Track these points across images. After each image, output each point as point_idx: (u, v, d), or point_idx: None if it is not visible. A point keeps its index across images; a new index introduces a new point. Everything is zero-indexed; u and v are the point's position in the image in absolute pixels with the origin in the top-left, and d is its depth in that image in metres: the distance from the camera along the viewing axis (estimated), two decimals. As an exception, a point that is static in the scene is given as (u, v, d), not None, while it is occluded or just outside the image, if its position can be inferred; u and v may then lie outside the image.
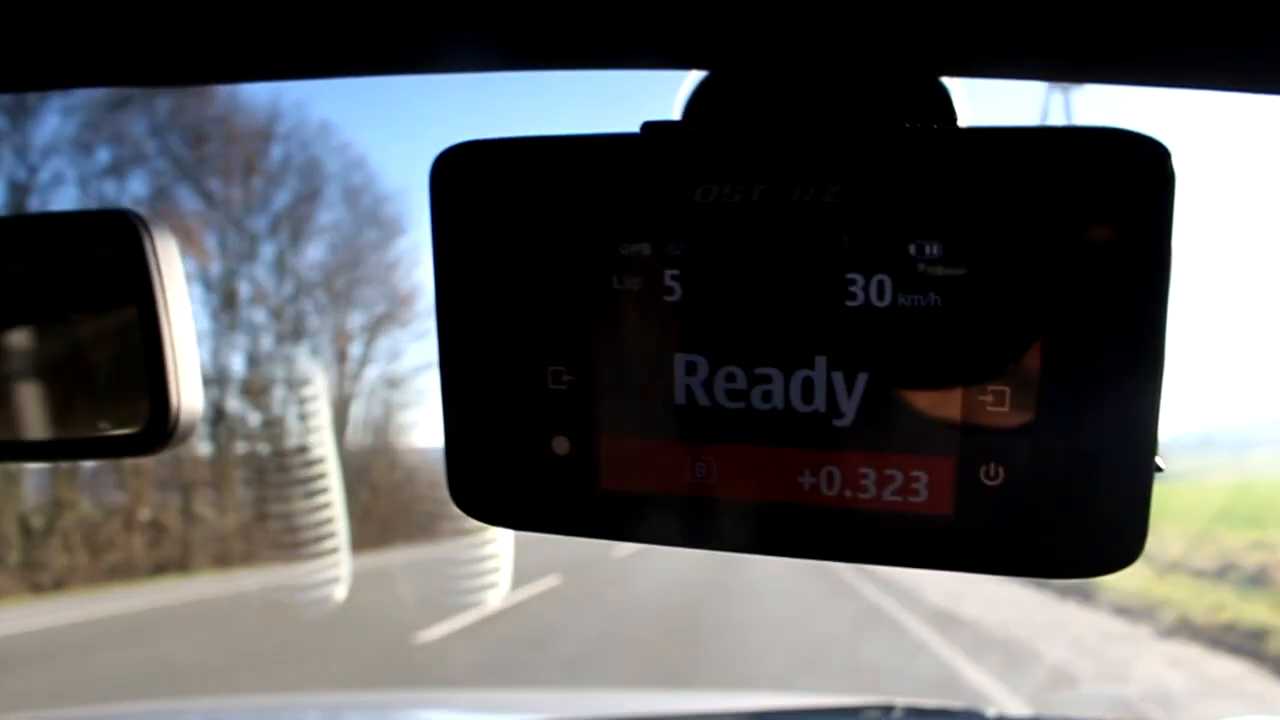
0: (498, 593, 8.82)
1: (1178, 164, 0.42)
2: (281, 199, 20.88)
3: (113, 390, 0.69)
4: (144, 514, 17.14)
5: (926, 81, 0.52)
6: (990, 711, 1.93)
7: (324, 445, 10.21)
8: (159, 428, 0.66)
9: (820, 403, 0.46)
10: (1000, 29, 0.52)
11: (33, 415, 0.71)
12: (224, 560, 17.53)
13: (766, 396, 0.47)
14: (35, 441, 0.71)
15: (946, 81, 0.52)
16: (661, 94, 0.54)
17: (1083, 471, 0.44)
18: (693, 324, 0.47)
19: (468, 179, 0.50)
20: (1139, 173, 0.42)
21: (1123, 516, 0.43)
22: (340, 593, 9.47)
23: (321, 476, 9.98)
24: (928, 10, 0.50)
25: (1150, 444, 0.43)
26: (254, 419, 19.83)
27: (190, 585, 14.30)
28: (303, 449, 11.23)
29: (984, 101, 0.53)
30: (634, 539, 0.50)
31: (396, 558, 15.44)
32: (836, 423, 0.46)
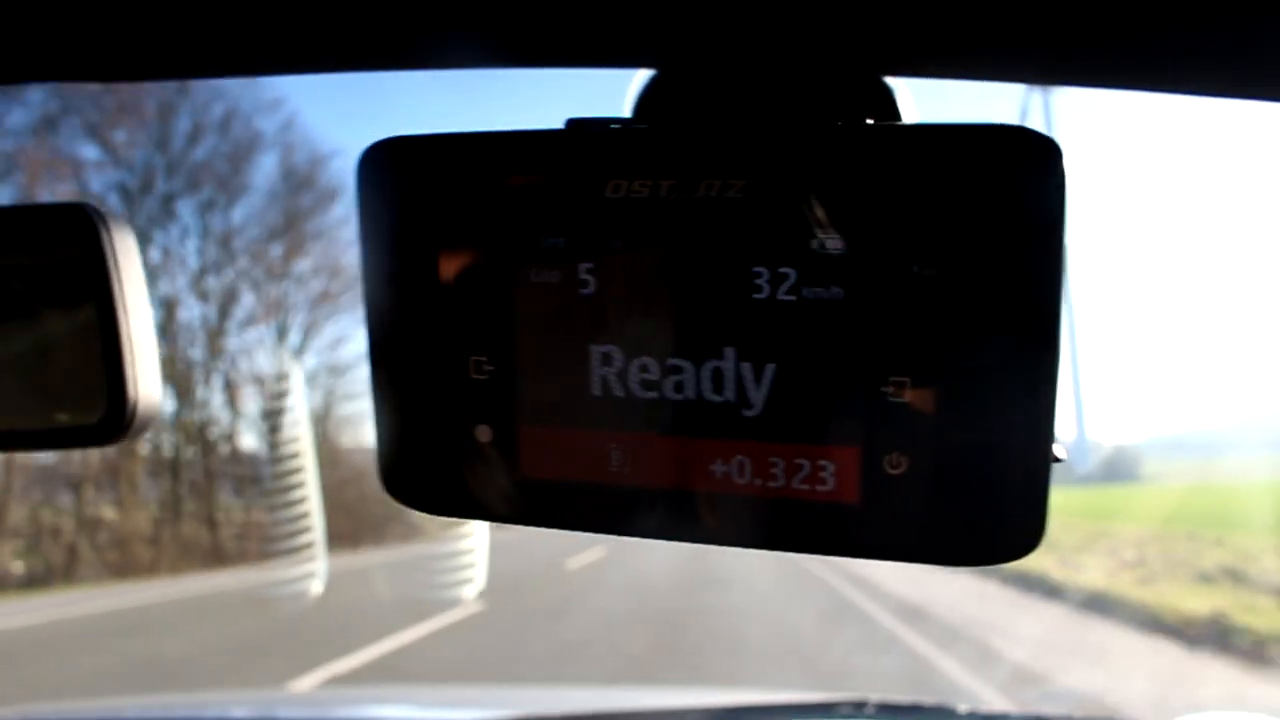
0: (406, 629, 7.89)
1: (1070, 163, 0.43)
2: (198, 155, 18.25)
3: (70, 382, 0.69)
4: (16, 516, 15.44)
5: (870, 81, 0.53)
6: (962, 707, 1.96)
7: (302, 442, 9.96)
8: (116, 419, 0.66)
9: (730, 393, 0.47)
10: (945, 28, 0.54)
11: None
12: (125, 569, 16.19)
13: (679, 387, 0.48)
14: None
15: (891, 81, 0.53)
16: (603, 93, 0.55)
17: (983, 461, 0.45)
18: (606, 316, 0.48)
19: (393, 173, 0.51)
20: (1033, 169, 0.43)
21: (1023, 505, 0.45)
22: (316, 587, 9.21)
23: (295, 475, 9.75)
24: (871, 9, 0.51)
25: (1048, 434, 0.44)
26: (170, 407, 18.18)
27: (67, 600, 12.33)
28: (275, 446, 10.87)
29: (954, 103, 0.53)
30: (554, 525, 0.52)
31: (342, 564, 14.41)
32: (746, 413, 0.47)
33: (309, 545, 9.44)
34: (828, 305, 0.45)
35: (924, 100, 0.54)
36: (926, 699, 2.12)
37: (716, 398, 0.47)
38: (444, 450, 0.52)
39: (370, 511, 17.65)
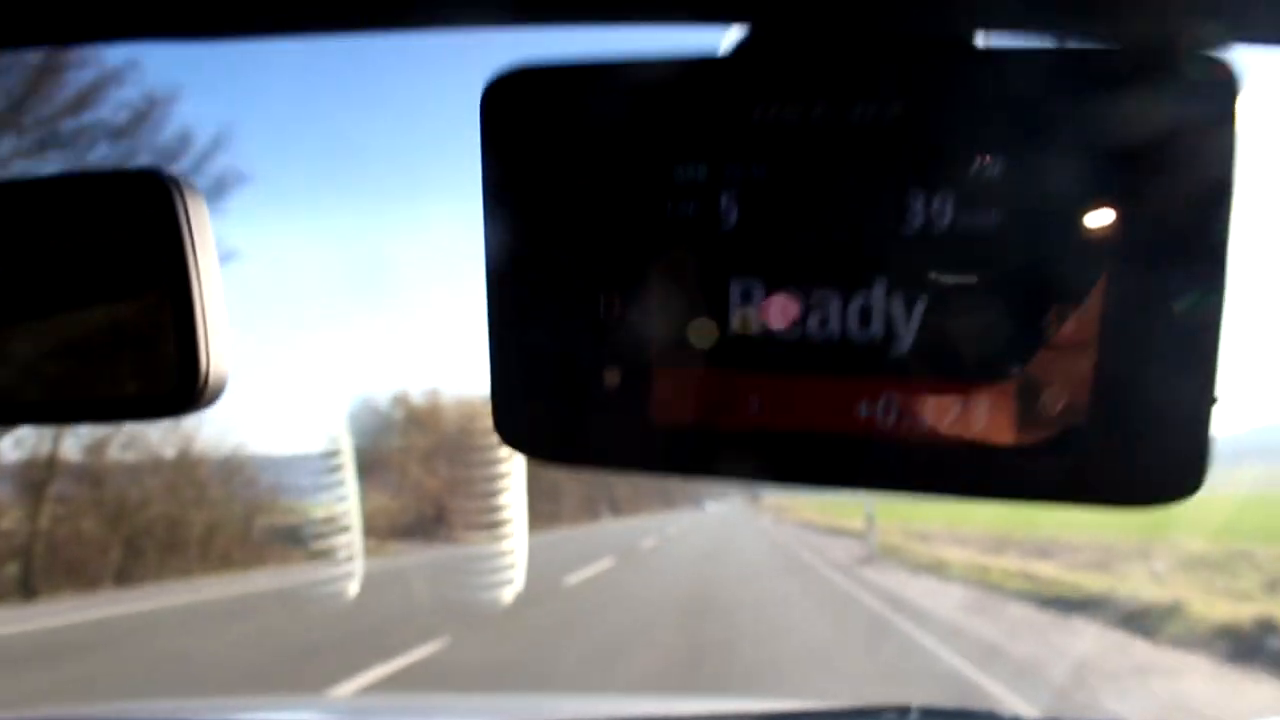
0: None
1: (1246, 85, 0.41)
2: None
3: (142, 352, 0.68)
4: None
5: (961, 39, 0.51)
6: (1007, 714, 1.91)
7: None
8: (188, 389, 0.65)
9: (878, 329, 0.45)
10: None
11: (62, 376, 0.70)
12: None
13: (823, 323, 0.46)
14: (65, 402, 0.71)
15: (981, 39, 0.51)
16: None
17: (1145, 400, 0.43)
18: (748, 247, 0.47)
19: (519, 105, 0.49)
20: (1204, 94, 0.41)
21: (1184, 446, 0.42)
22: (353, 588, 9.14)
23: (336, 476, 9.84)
24: None
25: (1211, 373, 0.42)
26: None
27: None
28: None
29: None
30: (684, 473, 0.49)
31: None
32: (895, 349, 0.45)
33: (347, 546, 9.56)
34: (985, 234, 0.43)
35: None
36: (972, 706, 2.08)
37: (863, 334, 0.45)
38: (568, 394, 0.50)
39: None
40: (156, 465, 18.60)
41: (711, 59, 0.49)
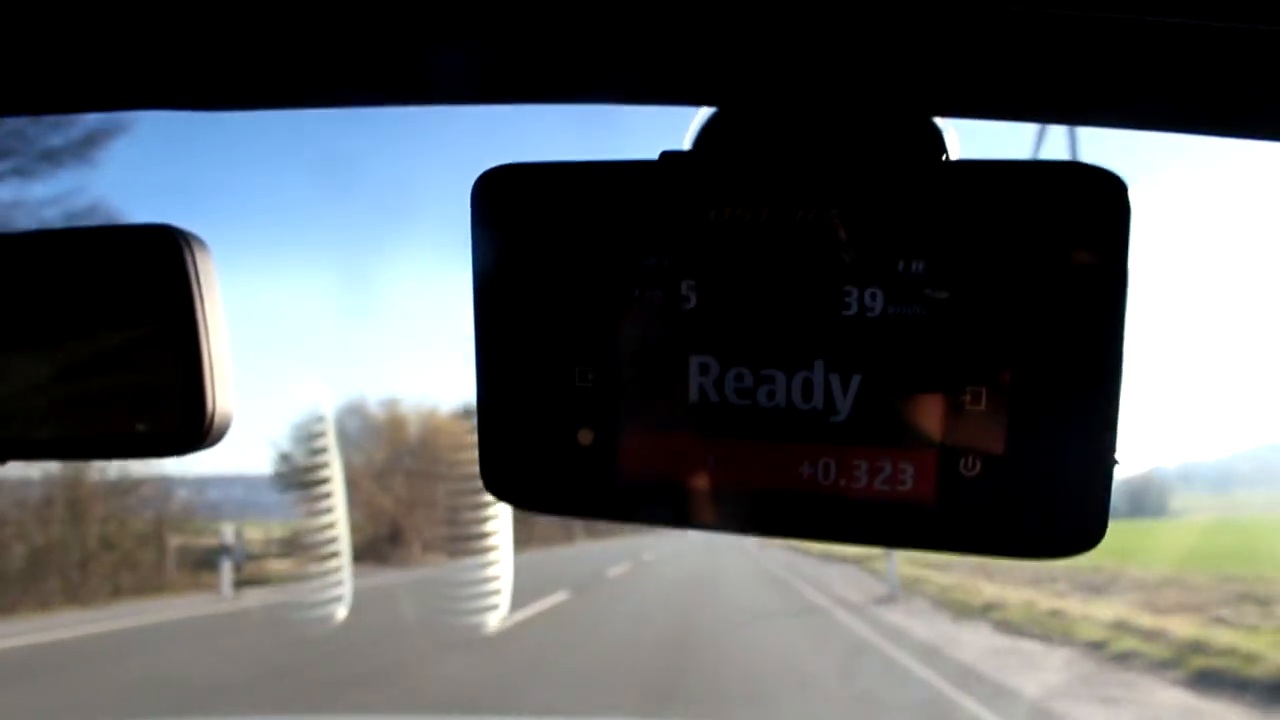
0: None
1: (1134, 197, 0.48)
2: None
3: (149, 393, 0.73)
4: None
5: (920, 121, 0.56)
6: None
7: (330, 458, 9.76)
8: (194, 428, 0.70)
9: (819, 401, 0.51)
10: (989, 73, 0.57)
11: (76, 416, 0.75)
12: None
13: (771, 395, 0.52)
14: (75, 438, 0.75)
15: (939, 121, 0.57)
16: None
17: (1050, 464, 0.49)
18: (706, 328, 0.53)
19: (505, 198, 0.55)
20: (1098, 202, 0.48)
21: (1086, 505, 0.49)
22: (341, 612, 8.89)
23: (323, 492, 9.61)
24: (920, 55, 0.55)
25: (1111, 441, 0.48)
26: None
27: None
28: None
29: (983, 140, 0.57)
30: (651, 523, 0.56)
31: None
32: (833, 419, 0.51)
33: (337, 568, 9.31)
34: (911, 322, 0.50)
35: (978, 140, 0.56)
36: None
37: (806, 405, 0.52)
38: (547, 452, 0.56)
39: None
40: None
41: (675, 160, 0.55)
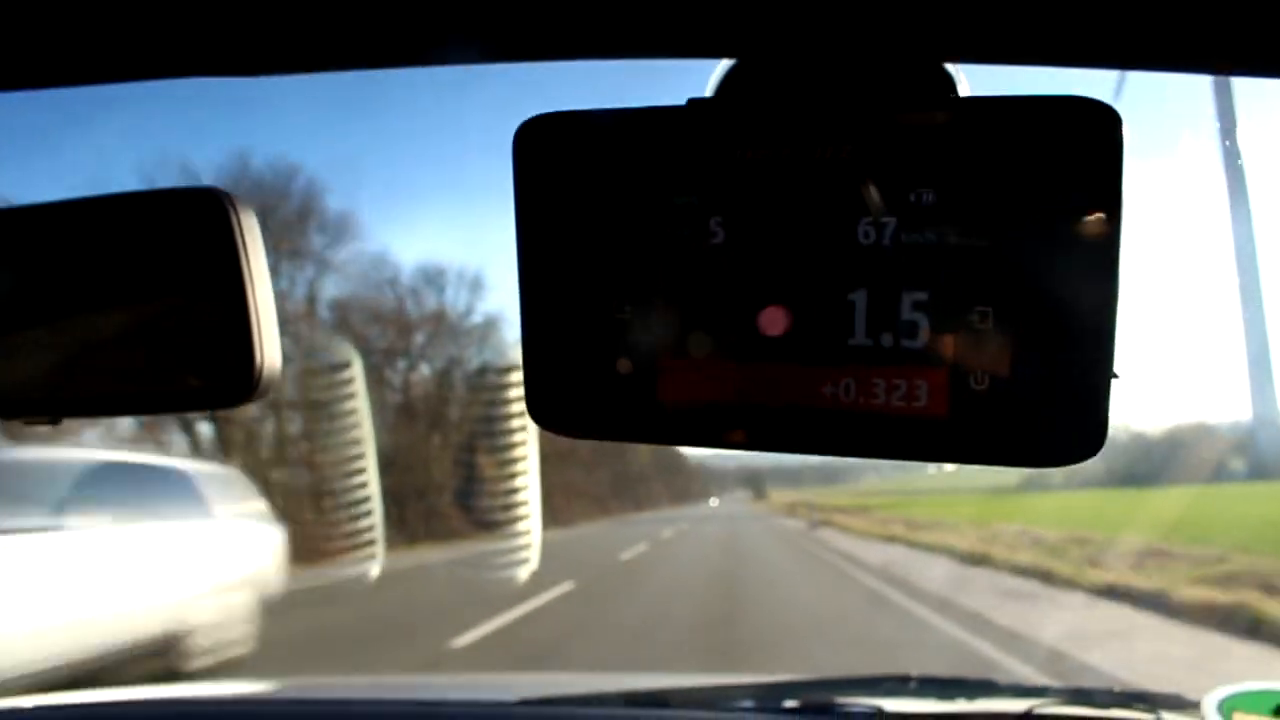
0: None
1: (1127, 123, 0.51)
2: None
3: (201, 349, 0.77)
4: None
5: (932, 67, 0.59)
6: (1004, 681, 2.00)
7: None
8: (244, 382, 0.73)
9: (839, 325, 0.55)
10: (1001, 17, 0.59)
11: (132, 371, 0.79)
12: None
13: (793, 321, 0.56)
14: (131, 393, 0.79)
15: (951, 67, 0.59)
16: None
17: (1053, 379, 0.53)
18: (733, 261, 0.57)
19: (544, 145, 0.59)
20: (1094, 132, 0.51)
21: (1087, 416, 0.53)
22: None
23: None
24: (931, 2, 0.57)
25: (1109, 357, 0.52)
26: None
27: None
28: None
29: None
30: (686, 443, 0.60)
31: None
32: (852, 341, 0.55)
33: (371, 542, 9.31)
34: (923, 249, 0.54)
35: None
36: (968, 675, 2.16)
37: (826, 330, 0.56)
38: (588, 381, 0.60)
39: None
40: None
41: (700, 106, 0.59)
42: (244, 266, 0.73)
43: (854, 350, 0.55)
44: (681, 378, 0.58)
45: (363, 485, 9.40)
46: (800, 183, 0.55)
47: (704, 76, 0.61)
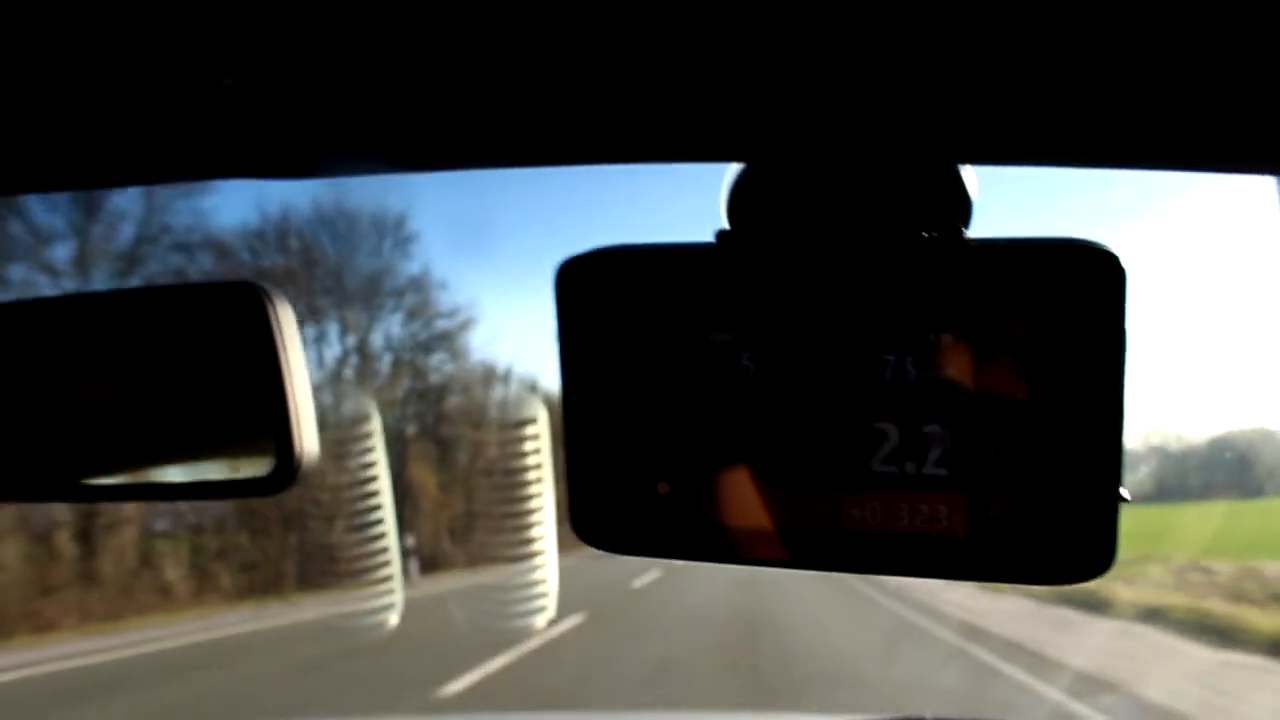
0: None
1: (1128, 264, 0.54)
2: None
3: (242, 439, 0.79)
4: None
5: (943, 169, 0.61)
6: None
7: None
8: (285, 470, 0.76)
9: (865, 454, 0.59)
10: (1011, 121, 0.62)
11: (170, 460, 0.82)
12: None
13: (822, 449, 0.60)
14: (176, 483, 0.82)
15: (962, 169, 0.62)
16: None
17: (1065, 503, 0.57)
18: (764, 393, 0.60)
19: (585, 282, 0.63)
20: (1096, 274, 0.55)
21: (1096, 537, 0.56)
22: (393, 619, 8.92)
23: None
24: (942, 105, 0.60)
25: (1116, 482, 0.56)
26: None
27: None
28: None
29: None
30: (724, 561, 0.63)
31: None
32: (876, 468, 0.59)
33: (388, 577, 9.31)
34: (942, 384, 0.57)
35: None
36: (983, 716, 2.15)
37: (853, 457, 0.59)
38: (630, 502, 0.63)
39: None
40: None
41: (728, 240, 0.62)
42: (281, 358, 0.76)
43: (878, 476, 0.59)
44: (718, 500, 0.61)
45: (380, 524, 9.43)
46: (826, 322, 0.59)
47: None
